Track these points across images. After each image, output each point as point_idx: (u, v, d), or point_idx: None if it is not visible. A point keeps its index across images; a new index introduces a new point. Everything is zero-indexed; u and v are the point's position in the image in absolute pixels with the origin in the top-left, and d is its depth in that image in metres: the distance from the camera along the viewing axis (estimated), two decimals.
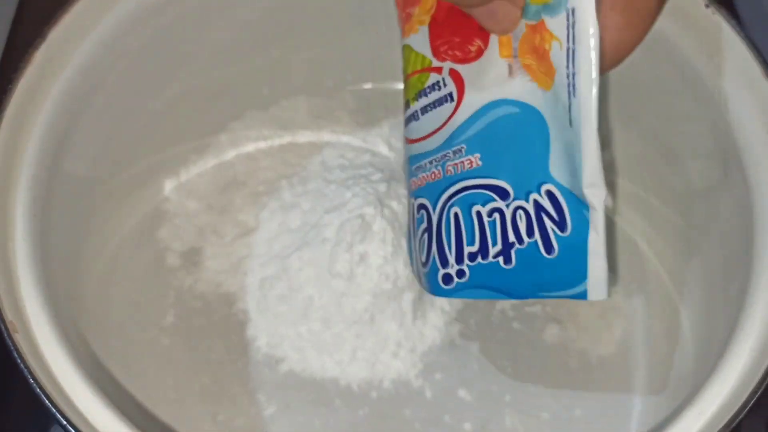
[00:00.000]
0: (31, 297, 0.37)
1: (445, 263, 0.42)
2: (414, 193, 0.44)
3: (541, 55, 0.37)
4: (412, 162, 0.44)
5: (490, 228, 0.41)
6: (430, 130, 0.42)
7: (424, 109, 0.42)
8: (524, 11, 0.37)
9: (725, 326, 0.38)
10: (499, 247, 0.40)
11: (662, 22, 0.43)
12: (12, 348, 0.34)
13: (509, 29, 0.38)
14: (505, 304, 0.50)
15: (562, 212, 0.39)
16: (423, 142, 0.43)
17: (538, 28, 0.36)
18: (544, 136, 0.38)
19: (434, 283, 0.43)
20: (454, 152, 0.41)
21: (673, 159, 0.47)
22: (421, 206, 0.43)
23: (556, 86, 0.37)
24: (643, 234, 0.51)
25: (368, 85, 0.56)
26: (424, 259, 0.44)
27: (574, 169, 0.37)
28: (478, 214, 0.41)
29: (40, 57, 0.41)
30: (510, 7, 0.37)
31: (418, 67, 0.42)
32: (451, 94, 0.41)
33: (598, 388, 0.48)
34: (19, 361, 0.33)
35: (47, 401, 0.32)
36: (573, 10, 0.35)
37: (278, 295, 0.49)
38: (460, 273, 0.42)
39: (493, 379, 0.48)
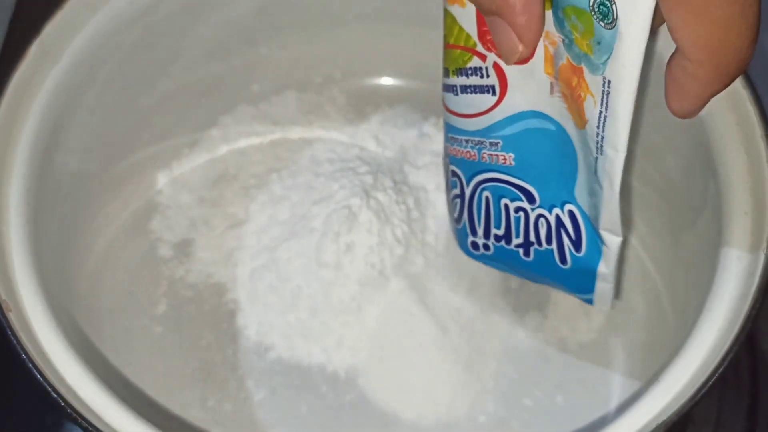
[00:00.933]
0: (24, 279, 0.38)
1: (474, 233, 0.45)
2: (450, 157, 0.44)
3: (575, 98, 0.35)
4: (449, 129, 0.43)
5: (515, 222, 0.42)
6: (468, 112, 0.41)
7: (464, 89, 0.40)
8: (567, 46, 0.33)
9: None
10: (521, 240, 0.42)
11: None
12: (5, 326, 0.35)
13: (508, 58, 0.34)
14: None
15: (579, 234, 0.40)
16: (460, 119, 0.42)
17: (577, 71, 0.33)
18: (573, 163, 0.38)
19: (464, 243, 0.46)
20: (491, 144, 0.41)
21: (650, 152, 0.48)
22: (455, 173, 0.44)
23: (587, 132, 0.35)
24: (627, 221, 0.53)
25: (357, 82, 0.58)
26: (456, 216, 0.46)
27: (596, 206, 0.38)
28: (506, 206, 0.42)
29: (34, 51, 0.42)
30: (509, 36, 0.33)
31: (461, 44, 0.39)
32: (493, 88, 0.39)
33: (579, 375, 0.49)
34: (12, 338, 0.35)
35: (39, 376, 0.34)
36: (609, 82, 0.31)
37: (267, 285, 0.50)
38: (486, 246, 0.45)
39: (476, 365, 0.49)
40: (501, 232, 0.43)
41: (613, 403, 0.48)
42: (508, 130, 0.40)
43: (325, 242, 0.49)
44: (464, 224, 0.45)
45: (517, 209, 0.42)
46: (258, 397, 0.48)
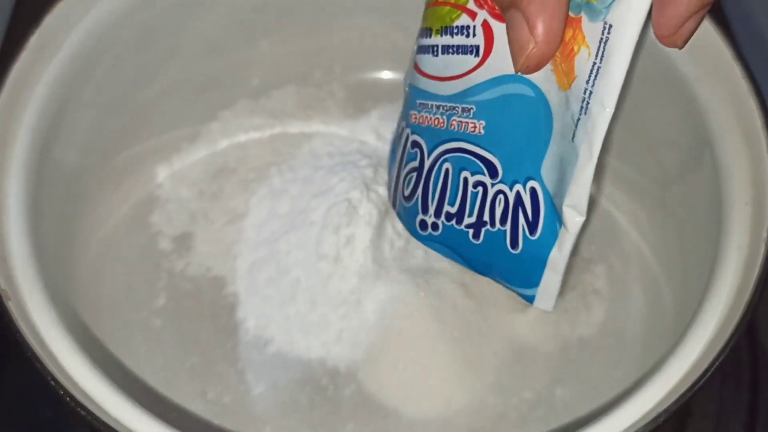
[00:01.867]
0: (23, 268, 0.38)
1: (425, 210, 0.43)
2: (411, 126, 0.43)
3: (567, 53, 0.34)
4: (417, 94, 0.42)
5: (471, 198, 0.41)
6: (446, 75, 0.40)
7: (446, 49, 0.40)
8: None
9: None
10: (473, 219, 0.41)
11: None
12: (4, 314, 0.35)
13: (518, 58, 0.34)
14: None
15: (537, 215, 0.39)
16: (434, 82, 0.41)
17: (574, 23, 0.33)
18: (547, 132, 0.37)
19: (411, 223, 0.44)
20: (463, 110, 0.40)
21: (650, 145, 0.48)
22: (416, 143, 0.43)
23: (571, 92, 0.35)
24: (628, 213, 0.53)
25: (356, 76, 0.58)
26: (407, 194, 0.44)
27: (562, 180, 0.37)
28: (465, 180, 0.41)
29: (33, 43, 0.42)
30: (524, 32, 0.33)
31: (452, 0, 0.39)
32: (477, 48, 0.38)
33: (579, 369, 0.49)
34: (11, 326, 0.35)
35: (37, 364, 0.34)
36: (610, 27, 0.32)
37: (267, 278, 0.50)
38: (434, 226, 0.43)
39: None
40: (454, 209, 0.41)
41: (613, 394, 0.48)
42: (485, 95, 0.39)
43: (325, 235, 0.49)
44: (416, 201, 0.43)
45: (476, 184, 0.40)
46: (257, 391, 0.48)
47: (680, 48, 0.34)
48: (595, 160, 0.35)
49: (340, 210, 0.49)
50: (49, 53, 0.43)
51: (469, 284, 0.50)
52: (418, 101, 0.42)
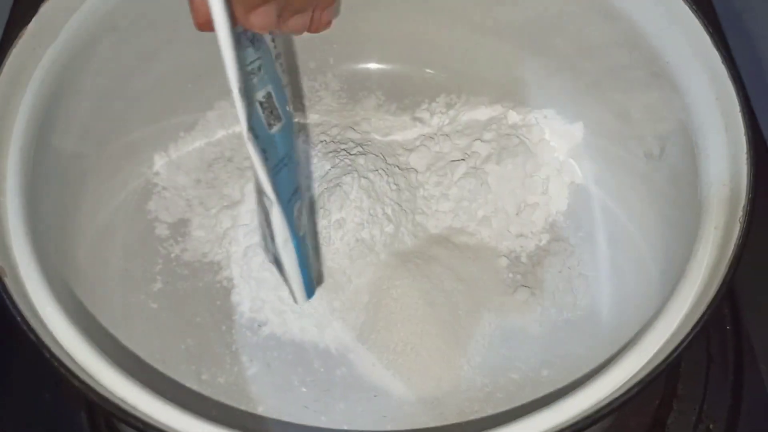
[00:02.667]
0: (20, 246, 0.39)
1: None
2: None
3: None
4: None
5: None
6: None
7: None
8: None
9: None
10: None
11: (624, 1, 0.46)
12: (1, 290, 0.36)
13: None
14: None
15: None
16: None
17: None
18: None
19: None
20: None
21: (635, 128, 0.49)
22: None
23: None
24: (616, 197, 0.54)
25: (350, 67, 0.59)
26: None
27: None
28: None
29: (31, 30, 0.43)
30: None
31: None
32: None
33: (565, 350, 0.50)
34: (8, 302, 0.36)
35: (33, 336, 0.35)
36: None
37: (260, 262, 0.51)
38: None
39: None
40: None
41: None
42: None
43: (317, 219, 0.50)
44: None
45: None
46: (251, 371, 0.49)
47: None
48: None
49: (332, 195, 0.50)
50: (47, 40, 0.44)
51: (458, 268, 0.51)
52: None
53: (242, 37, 0.38)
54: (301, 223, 0.43)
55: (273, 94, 0.41)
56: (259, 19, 0.37)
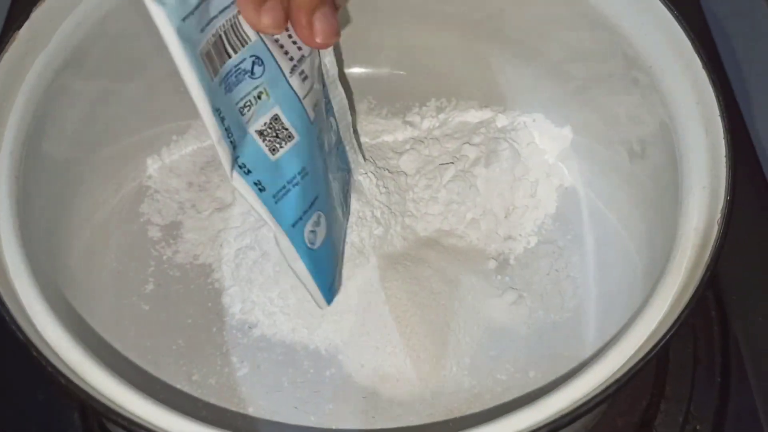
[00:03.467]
0: (10, 249, 0.40)
1: None
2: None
3: None
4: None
5: None
6: None
7: None
8: None
9: None
10: None
11: (609, 9, 0.47)
12: None
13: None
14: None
15: None
16: None
17: None
18: None
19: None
20: None
21: (615, 125, 0.50)
22: None
23: None
24: (603, 199, 0.54)
25: (343, 71, 0.59)
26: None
27: None
28: None
29: (23, 35, 0.44)
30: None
31: None
32: None
33: (552, 352, 0.50)
34: None
35: (20, 335, 0.35)
36: None
37: (251, 263, 0.52)
38: None
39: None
40: None
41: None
42: None
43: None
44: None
45: None
46: (242, 372, 0.50)
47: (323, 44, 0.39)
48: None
49: None
50: (39, 45, 0.45)
51: (447, 270, 0.52)
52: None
53: (231, 75, 0.38)
54: (318, 233, 0.43)
55: (282, 114, 0.40)
56: (269, 18, 0.37)
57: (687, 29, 0.44)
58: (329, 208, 0.45)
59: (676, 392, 0.52)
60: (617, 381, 0.35)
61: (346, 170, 0.50)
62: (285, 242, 0.41)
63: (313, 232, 0.43)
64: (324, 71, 0.45)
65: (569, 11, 0.49)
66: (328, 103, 0.46)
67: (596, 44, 0.50)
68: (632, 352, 0.36)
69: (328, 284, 0.46)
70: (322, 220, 0.44)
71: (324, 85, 0.45)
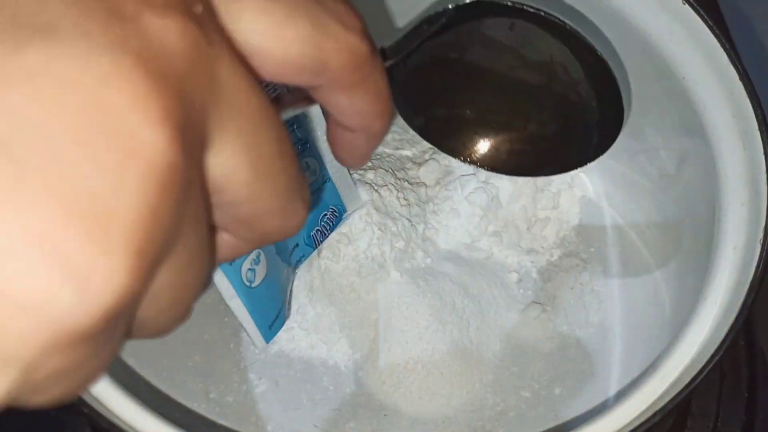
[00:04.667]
0: None
1: None
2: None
3: None
4: None
5: None
6: None
7: None
8: None
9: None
10: None
11: (638, 15, 0.46)
12: None
13: None
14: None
15: None
16: None
17: None
18: None
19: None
20: None
21: (648, 146, 0.49)
22: None
23: None
24: (626, 214, 0.53)
25: None
26: None
27: None
28: None
29: None
30: None
31: None
32: None
33: (577, 368, 0.49)
34: None
35: None
36: None
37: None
38: None
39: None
40: None
41: (611, 393, 0.48)
42: None
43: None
44: None
45: None
46: (259, 389, 0.49)
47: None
48: None
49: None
50: None
51: (468, 284, 0.51)
52: None
53: None
54: (258, 272, 0.42)
55: None
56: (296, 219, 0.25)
57: (721, 39, 0.43)
58: (269, 247, 0.43)
59: (702, 408, 0.51)
60: (662, 410, 0.34)
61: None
62: (221, 279, 0.40)
63: (251, 270, 0.42)
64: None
65: (598, 20, 0.48)
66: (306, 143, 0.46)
67: (625, 53, 0.48)
68: (673, 379, 0.35)
69: (268, 323, 0.44)
70: (262, 258, 0.43)
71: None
